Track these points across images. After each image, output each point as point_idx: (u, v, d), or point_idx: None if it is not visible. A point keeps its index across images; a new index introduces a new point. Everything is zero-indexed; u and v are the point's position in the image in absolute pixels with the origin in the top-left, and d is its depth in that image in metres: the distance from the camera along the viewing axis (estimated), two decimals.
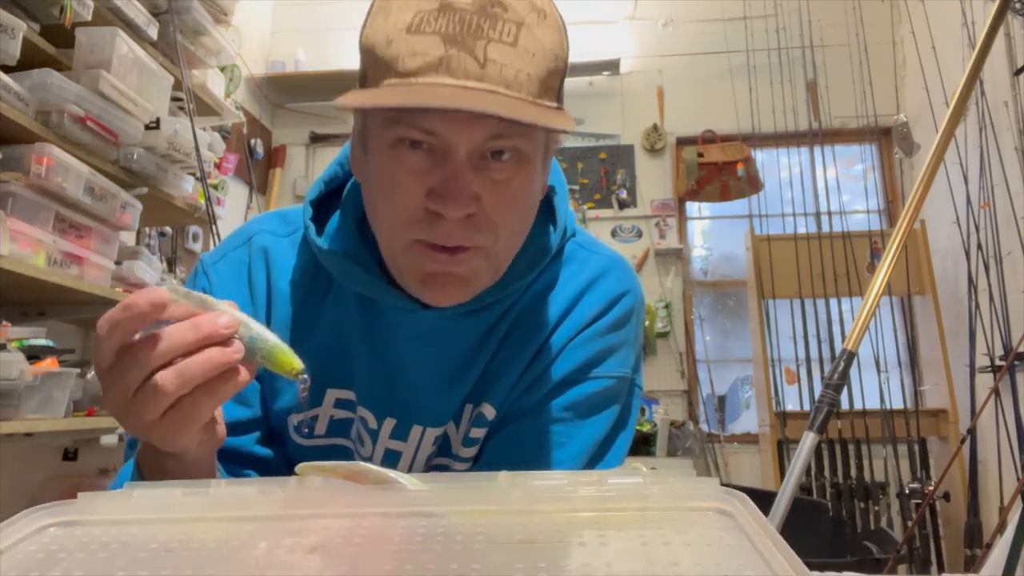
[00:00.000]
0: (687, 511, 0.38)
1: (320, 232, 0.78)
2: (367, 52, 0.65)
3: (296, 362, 0.55)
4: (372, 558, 0.32)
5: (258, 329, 0.55)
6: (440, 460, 0.81)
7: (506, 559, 0.32)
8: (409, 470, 0.80)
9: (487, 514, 0.37)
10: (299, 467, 0.46)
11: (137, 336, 0.52)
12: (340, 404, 0.79)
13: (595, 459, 0.79)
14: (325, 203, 0.81)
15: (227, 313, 0.53)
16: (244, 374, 0.54)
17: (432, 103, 0.60)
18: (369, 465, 0.44)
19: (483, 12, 0.61)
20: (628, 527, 0.37)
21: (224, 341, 0.53)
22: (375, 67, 0.64)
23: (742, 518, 0.36)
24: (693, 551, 0.34)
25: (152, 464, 0.61)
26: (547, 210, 0.80)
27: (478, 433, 0.79)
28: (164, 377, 0.51)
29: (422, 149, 0.64)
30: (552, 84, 0.65)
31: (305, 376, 0.56)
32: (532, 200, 0.71)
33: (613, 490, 0.39)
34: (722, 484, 0.40)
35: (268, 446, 0.80)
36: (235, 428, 0.76)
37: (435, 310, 0.74)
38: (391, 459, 0.79)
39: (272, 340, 0.55)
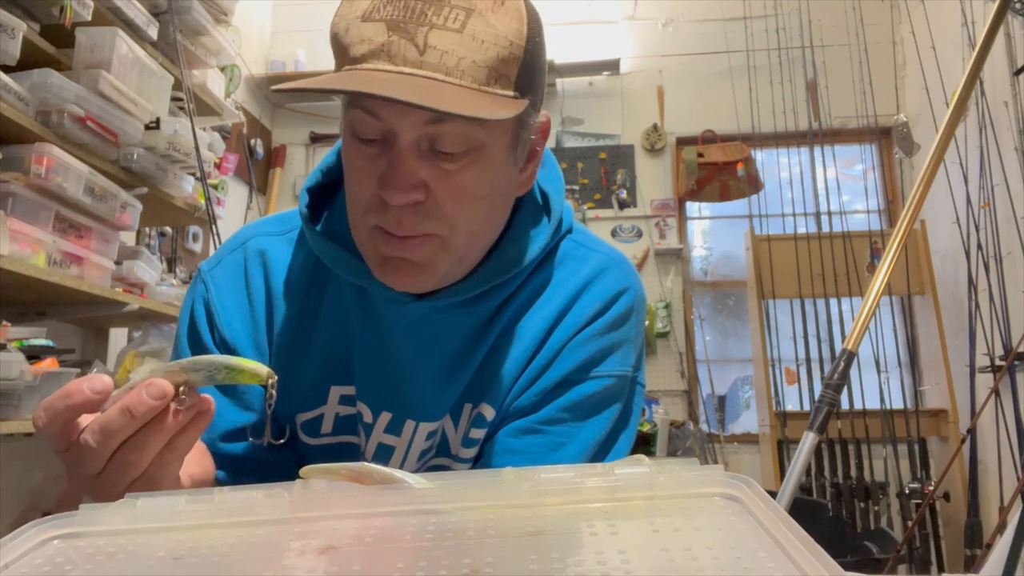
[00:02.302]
0: (694, 498, 0.38)
1: (317, 222, 0.78)
2: (332, 40, 0.66)
3: (260, 371, 0.55)
4: (384, 557, 0.32)
5: (208, 363, 0.55)
6: (439, 460, 0.81)
7: (518, 552, 0.32)
8: (401, 466, 0.80)
9: (496, 509, 0.37)
10: (303, 470, 0.46)
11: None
12: (344, 400, 0.78)
13: (596, 459, 0.78)
14: (324, 193, 0.81)
15: (153, 383, 0.52)
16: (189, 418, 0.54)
17: (354, 88, 0.59)
18: (374, 465, 0.44)
19: None
20: (637, 516, 0.37)
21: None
22: (337, 54, 0.66)
23: (750, 501, 0.36)
24: (704, 536, 0.35)
25: None
26: (541, 201, 0.80)
27: (477, 434, 0.78)
28: (123, 456, 0.52)
29: (376, 139, 0.65)
30: (506, 72, 0.64)
31: (275, 378, 0.56)
32: (494, 192, 0.70)
33: (619, 480, 0.39)
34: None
35: (277, 451, 0.79)
36: (240, 434, 0.76)
37: (426, 302, 0.73)
38: (383, 454, 0.79)
39: (226, 364, 0.55)
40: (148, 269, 2.30)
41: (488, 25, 0.63)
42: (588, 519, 0.36)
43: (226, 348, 0.77)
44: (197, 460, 0.62)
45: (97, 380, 0.52)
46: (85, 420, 0.53)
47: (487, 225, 0.72)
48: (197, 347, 0.78)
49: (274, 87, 0.67)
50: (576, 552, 0.32)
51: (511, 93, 0.65)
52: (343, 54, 0.64)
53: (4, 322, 1.80)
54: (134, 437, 0.52)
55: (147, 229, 2.84)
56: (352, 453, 0.80)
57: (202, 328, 0.78)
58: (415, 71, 0.61)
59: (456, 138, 0.64)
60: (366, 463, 0.44)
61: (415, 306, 0.74)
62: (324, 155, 0.83)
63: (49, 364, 1.84)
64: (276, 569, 0.32)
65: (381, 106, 0.63)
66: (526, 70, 0.66)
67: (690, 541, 0.33)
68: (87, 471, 0.53)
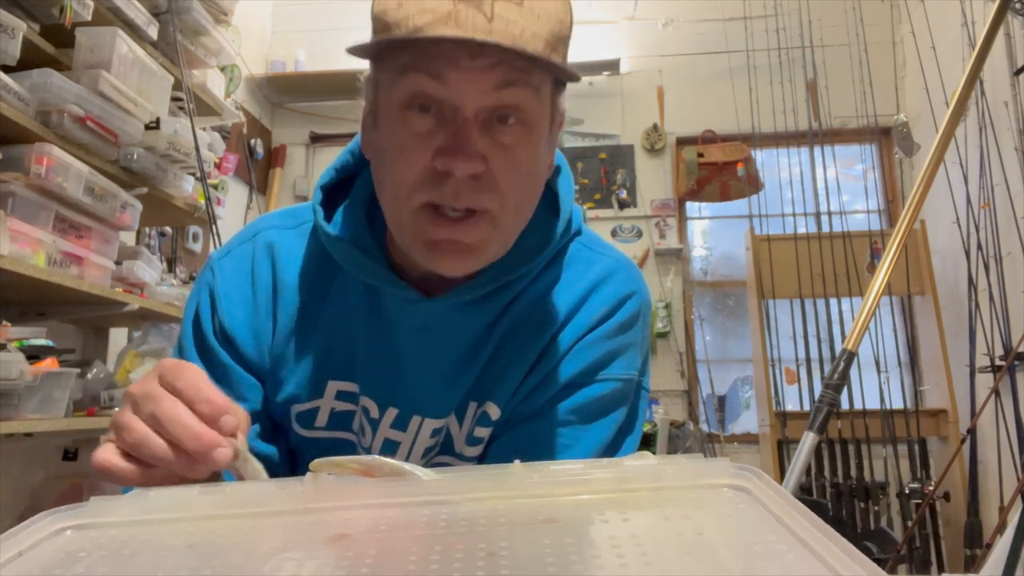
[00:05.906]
0: (703, 488, 0.39)
1: (329, 220, 0.78)
2: (377, 19, 0.65)
3: None
4: (399, 544, 0.32)
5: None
6: (443, 458, 0.81)
7: (532, 537, 0.33)
8: (406, 461, 0.80)
9: (506, 499, 0.37)
10: (313, 464, 0.46)
11: None
12: (341, 396, 0.79)
13: None
14: (335, 192, 0.81)
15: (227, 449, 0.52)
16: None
17: (444, 34, 0.60)
18: (384, 458, 0.44)
19: None
20: (647, 506, 0.37)
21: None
22: (385, 30, 0.64)
23: (759, 491, 0.36)
24: (715, 523, 0.35)
25: None
26: (551, 199, 0.80)
27: (482, 432, 0.79)
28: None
29: (430, 112, 0.65)
30: (558, 48, 0.66)
31: None
32: (538, 172, 0.71)
33: (628, 472, 0.39)
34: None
35: (270, 441, 0.80)
36: None
37: (438, 300, 0.74)
38: (389, 449, 0.80)
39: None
40: (148, 269, 2.30)
41: (541, 2, 0.64)
42: (599, 508, 0.36)
43: (224, 335, 0.78)
44: None
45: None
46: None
47: (528, 203, 0.72)
48: (199, 332, 0.79)
49: (349, 48, 0.64)
50: (589, 537, 0.32)
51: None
52: (396, 25, 0.63)
53: (4, 322, 1.80)
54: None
55: (147, 229, 2.84)
56: (346, 449, 0.81)
57: (204, 314, 0.79)
58: (485, 38, 0.61)
59: (515, 109, 0.65)
60: (376, 456, 0.44)
61: (427, 305, 0.74)
62: (324, 158, 0.84)
63: (49, 364, 1.84)
64: (291, 556, 0.32)
65: (450, 69, 0.63)
66: (567, 49, 0.68)
67: (702, 526, 0.34)
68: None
